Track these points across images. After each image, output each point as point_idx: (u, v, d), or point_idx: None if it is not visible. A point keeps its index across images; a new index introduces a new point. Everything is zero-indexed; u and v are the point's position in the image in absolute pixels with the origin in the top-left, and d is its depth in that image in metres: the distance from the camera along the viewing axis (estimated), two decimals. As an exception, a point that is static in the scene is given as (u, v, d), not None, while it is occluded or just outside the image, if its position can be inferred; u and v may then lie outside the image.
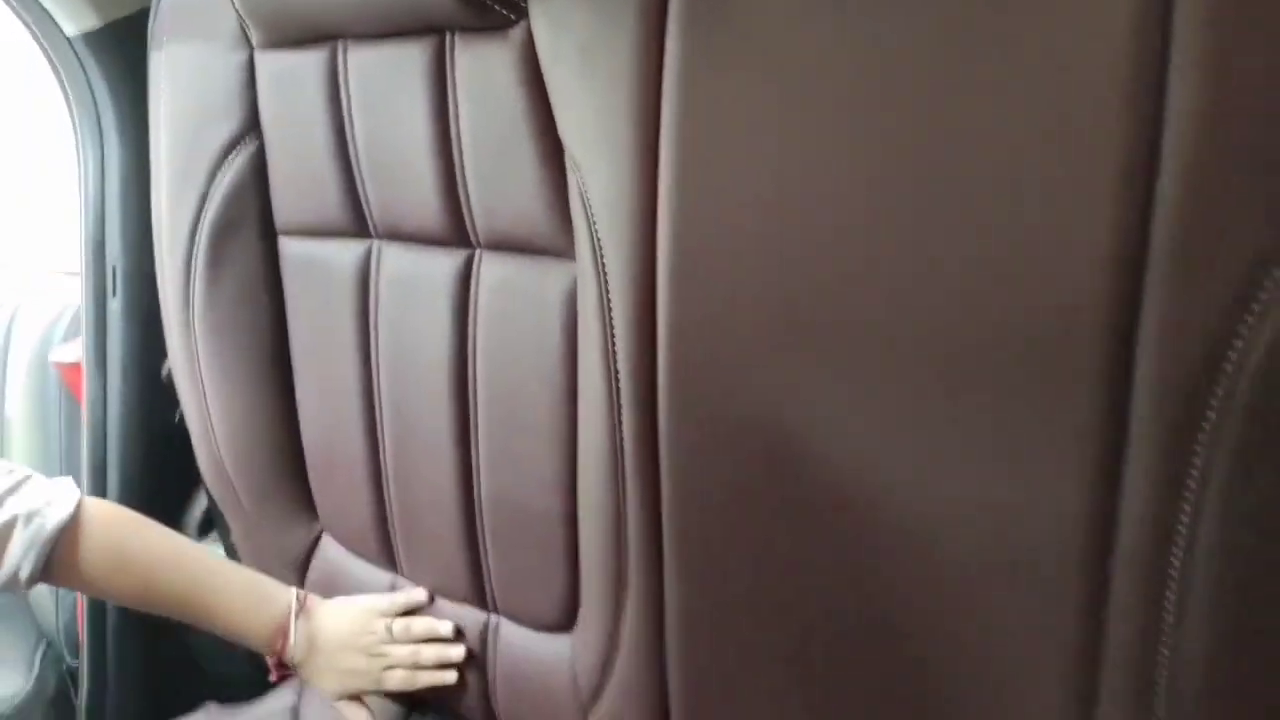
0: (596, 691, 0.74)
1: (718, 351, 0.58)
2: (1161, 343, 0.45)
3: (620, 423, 0.64)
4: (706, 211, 0.56)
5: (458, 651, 0.83)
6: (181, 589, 0.82)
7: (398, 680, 0.85)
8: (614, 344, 0.63)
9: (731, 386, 0.58)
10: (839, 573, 0.57)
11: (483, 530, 0.80)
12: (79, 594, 1.08)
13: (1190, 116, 0.42)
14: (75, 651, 1.21)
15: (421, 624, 0.85)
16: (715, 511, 0.61)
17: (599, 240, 0.63)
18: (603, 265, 0.63)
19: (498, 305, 0.75)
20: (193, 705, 1.04)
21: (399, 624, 0.85)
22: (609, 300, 0.63)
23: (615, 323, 0.63)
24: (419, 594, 0.86)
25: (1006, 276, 0.47)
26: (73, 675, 1.28)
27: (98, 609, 1.04)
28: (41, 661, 1.34)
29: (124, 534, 0.81)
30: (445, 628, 0.84)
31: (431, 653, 0.84)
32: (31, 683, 1.29)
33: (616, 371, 0.63)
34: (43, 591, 1.29)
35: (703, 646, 0.64)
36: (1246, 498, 0.45)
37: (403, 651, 0.84)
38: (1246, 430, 0.43)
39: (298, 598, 0.85)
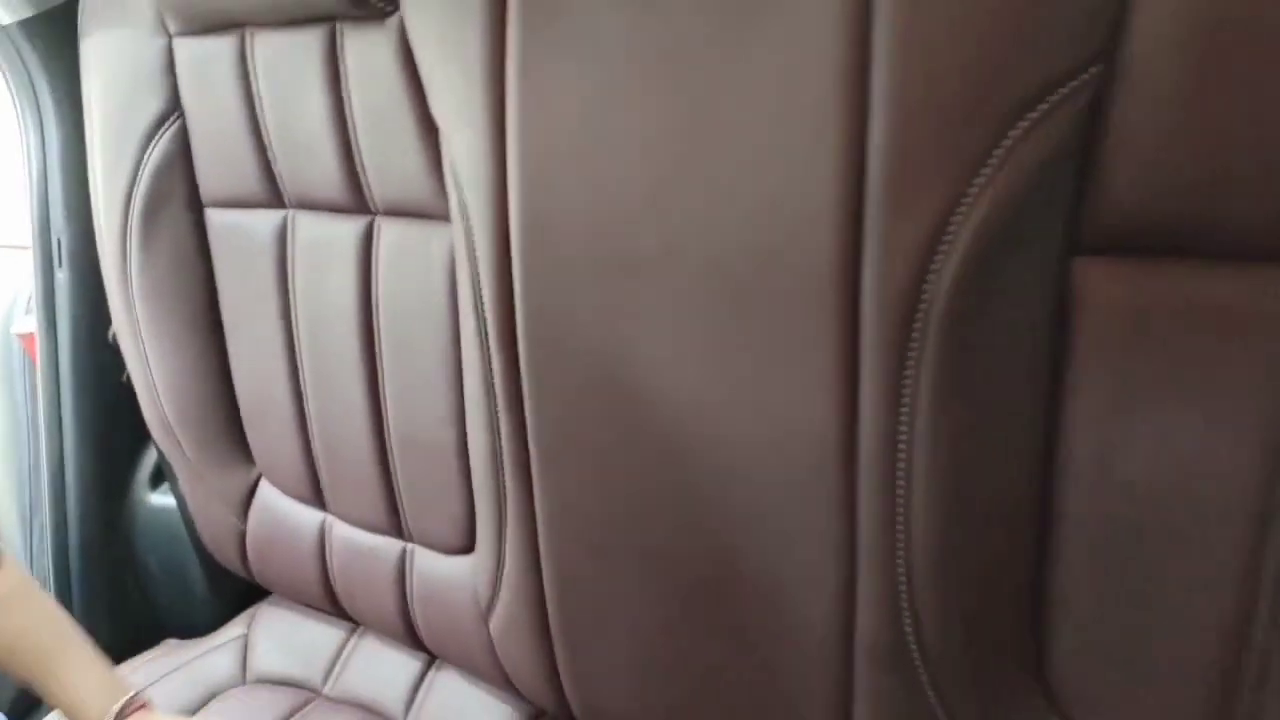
0: (491, 602, 0.84)
1: (560, 293, 0.67)
2: (876, 275, 0.55)
3: (491, 363, 0.73)
4: (545, 176, 0.65)
5: None
6: (34, 668, 0.81)
7: None
8: (481, 293, 0.72)
9: (571, 324, 0.67)
10: (661, 483, 0.67)
11: (394, 467, 0.90)
12: (51, 555, 1.16)
13: (889, 97, 0.51)
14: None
15: None
16: (566, 434, 0.71)
17: (465, 204, 0.72)
18: (469, 225, 0.72)
19: (395, 265, 0.84)
20: (155, 642, 1.15)
21: None
22: (475, 256, 0.72)
23: (481, 275, 0.72)
24: None
25: (763, 226, 0.57)
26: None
27: (61, 562, 1.14)
28: None
29: (9, 607, 0.80)
30: None
31: None
32: None
33: (484, 317, 0.73)
34: (18, 552, 1.38)
35: (566, 549, 0.74)
36: (949, 406, 0.55)
37: None
38: (942, 350, 0.53)
39: (128, 703, 0.80)
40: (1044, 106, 0.49)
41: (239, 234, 0.95)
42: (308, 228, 0.90)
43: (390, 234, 0.84)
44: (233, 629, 1.12)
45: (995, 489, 0.56)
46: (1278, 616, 0.52)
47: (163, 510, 1.14)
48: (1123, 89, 0.49)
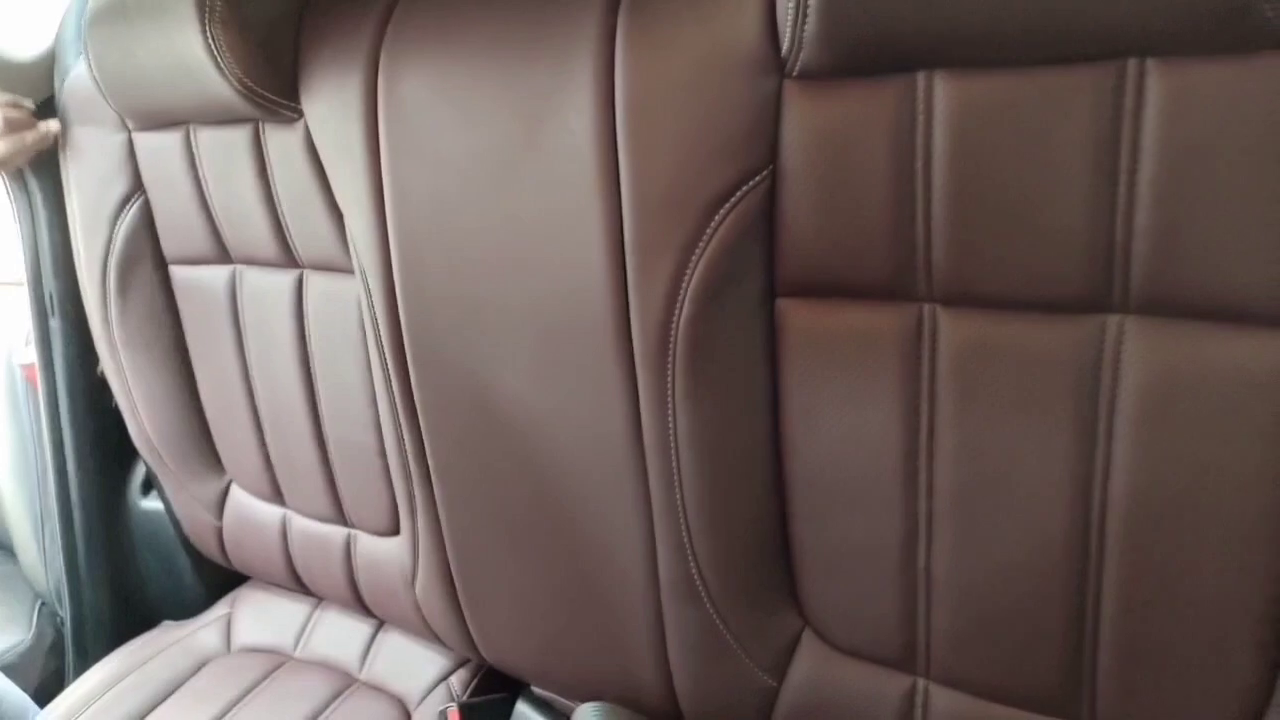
0: (413, 574, 1.06)
1: (434, 332, 0.89)
2: (641, 318, 0.76)
3: (391, 386, 0.95)
4: (414, 244, 0.87)
5: None
6: None
7: None
8: (379, 331, 0.94)
9: (445, 355, 0.89)
10: (518, 468, 0.88)
11: (334, 468, 1.12)
12: (63, 557, 1.39)
13: (632, 196, 0.73)
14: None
15: None
16: (450, 439, 0.92)
17: (362, 265, 0.93)
18: (366, 282, 0.93)
19: (320, 309, 1.05)
20: (153, 624, 1.37)
21: None
22: (373, 305, 0.93)
23: (379, 319, 0.93)
24: None
25: (562, 284, 0.78)
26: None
27: (71, 560, 1.36)
28: (38, 617, 1.56)
29: None
30: None
31: None
32: (31, 635, 1.53)
33: (382, 347, 0.94)
34: (33, 557, 1.59)
35: (460, 527, 0.96)
36: (695, 403, 0.76)
37: None
38: (686, 363, 0.75)
39: None
40: (735, 199, 0.71)
41: (198, 286, 1.16)
42: (252, 280, 1.11)
43: (316, 285, 1.05)
44: (218, 609, 1.34)
45: (740, 462, 0.78)
46: (931, 540, 0.73)
47: (153, 513, 1.36)
48: (784, 185, 0.70)
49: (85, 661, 1.34)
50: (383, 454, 1.05)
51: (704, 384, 0.76)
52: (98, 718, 1.17)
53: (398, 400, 0.95)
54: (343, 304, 1.03)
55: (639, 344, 0.77)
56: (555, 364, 0.82)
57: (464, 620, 1.03)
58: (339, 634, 1.25)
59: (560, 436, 0.84)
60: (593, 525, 0.86)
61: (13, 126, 1.14)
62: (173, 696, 1.21)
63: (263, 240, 1.06)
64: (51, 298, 1.27)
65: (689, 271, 0.73)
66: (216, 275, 1.14)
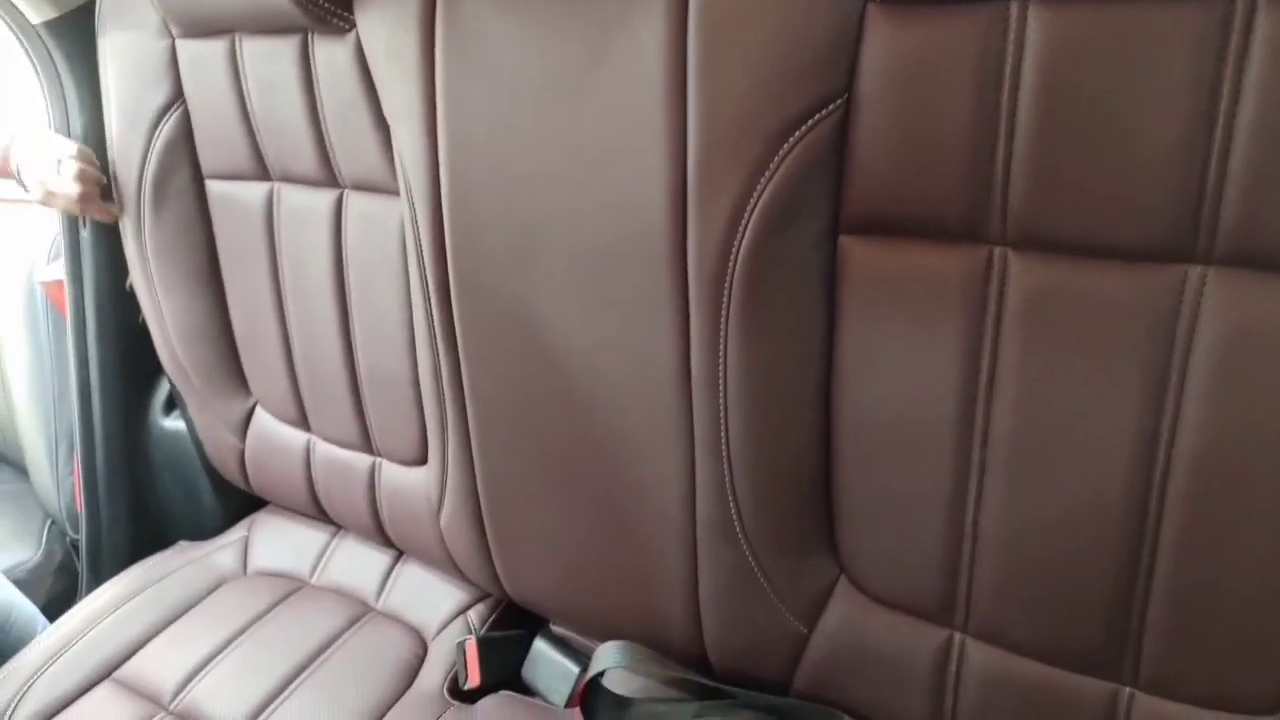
0: (440, 504, 1.05)
1: (480, 256, 0.87)
2: (698, 241, 0.74)
3: (432, 311, 0.93)
4: (465, 164, 0.85)
5: None
6: None
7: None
8: (421, 254, 0.92)
9: (491, 282, 0.87)
10: (558, 406, 0.87)
11: (363, 394, 1.10)
12: (75, 479, 1.38)
13: (700, 117, 0.70)
14: (75, 527, 1.49)
15: None
16: (490, 370, 0.91)
17: (408, 183, 0.91)
18: (411, 200, 0.91)
19: (360, 230, 1.03)
20: (170, 543, 1.36)
21: None
22: (417, 225, 0.91)
23: (422, 240, 0.91)
24: None
25: (617, 210, 0.76)
26: (75, 547, 1.54)
27: (91, 476, 1.35)
28: (48, 535, 1.60)
29: None
30: None
31: None
32: (40, 553, 1.56)
33: (424, 270, 0.92)
34: (45, 476, 1.59)
35: (493, 460, 0.95)
36: (749, 337, 0.75)
37: None
38: (743, 296, 0.73)
39: None
40: (806, 126, 0.69)
41: (234, 202, 1.14)
42: (290, 198, 1.09)
43: (356, 205, 1.03)
44: (235, 532, 1.34)
45: (789, 402, 0.76)
46: (982, 491, 0.72)
47: (175, 432, 1.35)
48: (858, 114, 0.68)
49: (99, 579, 1.33)
50: (415, 382, 1.04)
51: (759, 320, 0.74)
52: (109, 632, 1.17)
53: (437, 325, 0.93)
54: (383, 226, 1.01)
55: (695, 276, 0.75)
56: (606, 293, 0.80)
57: (489, 553, 1.02)
58: (357, 563, 1.24)
59: (605, 368, 0.83)
60: (631, 461, 0.85)
61: (83, 181, 1.15)
62: (186, 615, 1.20)
63: (304, 157, 1.04)
64: (83, 208, 1.25)
65: (752, 201, 0.71)
66: (254, 191, 1.12)
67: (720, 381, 0.76)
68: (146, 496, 1.39)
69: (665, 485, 0.83)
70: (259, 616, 1.17)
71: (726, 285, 0.73)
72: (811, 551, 0.81)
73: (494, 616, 1.13)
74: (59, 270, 1.34)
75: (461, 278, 0.89)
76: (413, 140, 0.88)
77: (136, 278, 1.24)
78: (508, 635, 1.10)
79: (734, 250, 0.72)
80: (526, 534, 0.96)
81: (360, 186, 1.02)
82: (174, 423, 1.35)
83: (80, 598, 1.29)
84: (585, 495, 0.89)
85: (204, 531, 1.35)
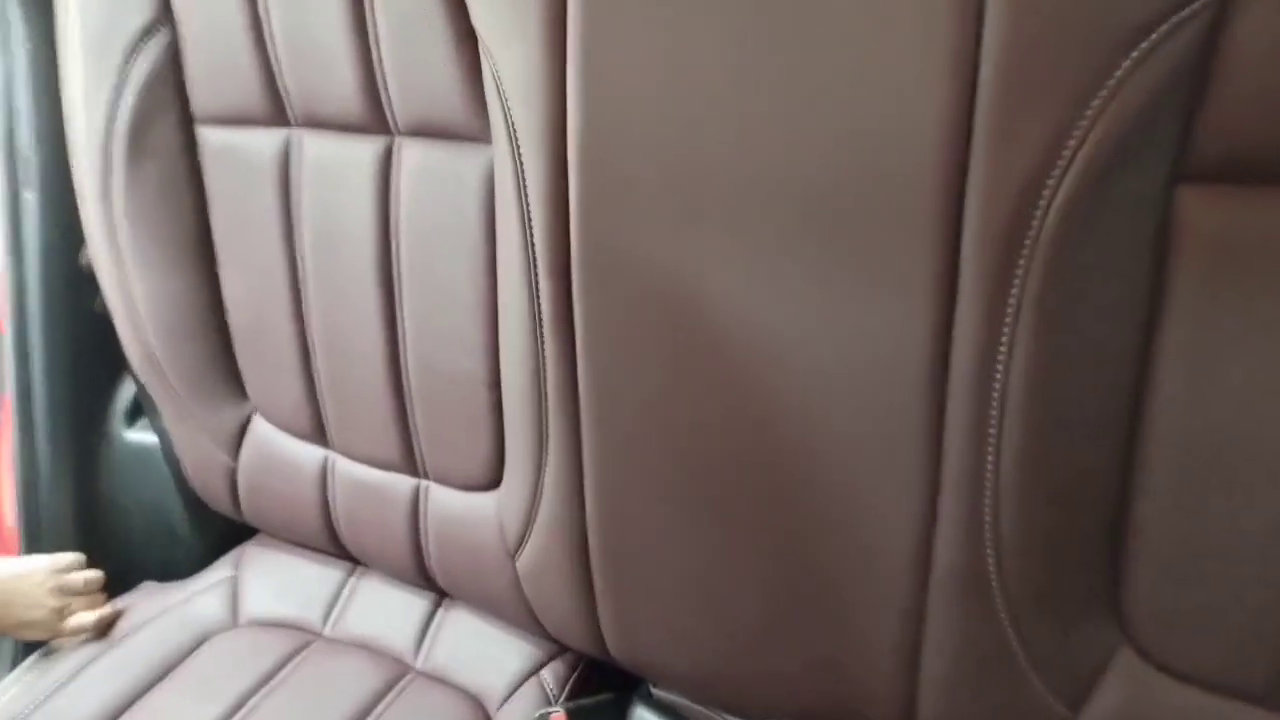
0: (522, 539, 0.82)
1: (622, 220, 0.64)
2: (984, 198, 0.53)
3: (538, 291, 0.70)
4: (610, 92, 0.62)
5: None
6: None
7: (73, 626, 0.96)
8: (530, 218, 0.69)
9: (635, 250, 0.65)
10: (725, 412, 0.65)
11: (410, 399, 0.87)
12: (19, 496, 1.10)
13: (1004, 16, 0.50)
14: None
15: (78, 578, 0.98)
16: (623, 366, 0.68)
17: (513, 122, 0.68)
18: (517, 146, 0.68)
19: (418, 189, 0.80)
20: (130, 585, 1.09)
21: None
22: (524, 179, 0.69)
23: (530, 199, 0.69)
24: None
25: (856, 147, 0.55)
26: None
27: (31, 504, 1.07)
28: None
29: None
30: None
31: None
32: None
33: (533, 244, 0.69)
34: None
35: (615, 486, 0.72)
36: (1051, 324, 0.54)
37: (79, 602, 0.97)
38: (1049, 271, 0.53)
39: None
40: (1163, 29, 0.48)
41: (236, 154, 0.89)
42: (316, 148, 0.85)
43: (413, 156, 0.80)
44: (219, 570, 1.08)
45: (1088, 415, 0.56)
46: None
47: (140, 447, 1.08)
48: (1236, 16, 0.48)
49: (44, 630, 1.06)
50: (493, 384, 0.80)
51: (1063, 302, 0.54)
52: (60, 710, 0.90)
53: (544, 310, 0.70)
54: (453, 182, 0.77)
55: (975, 241, 0.54)
56: (818, 269, 0.59)
57: (590, 603, 0.80)
58: (384, 609, 1.00)
59: (805, 367, 0.61)
60: (834, 489, 0.63)
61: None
62: (164, 681, 0.94)
63: (340, 92, 0.80)
64: (27, 162, 0.98)
65: (1076, 136, 0.50)
66: (264, 141, 0.87)
67: (995, 385, 0.56)
68: (100, 524, 1.12)
69: (885, 523, 0.62)
70: (263, 682, 0.92)
71: (1023, 254, 0.53)
72: (1086, 612, 0.61)
73: (574, 678, 0.91)
74: (-12, 243, 1.05)
75: (589, 247, 0.67)
76: (525, 62, 0.66)
77: (98, 251, 0.97)
78: (600, 702, 0.87)
79: (1041, 205, 0.52)
80: (654, 581, 0.74)
81: (421, 131, 0.79)
82: (140, 435, 1.09)
83: (15, 661, 1.01)
84: (754, 532, 0.68)
85: (177, 569, 1.09)
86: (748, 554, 0.68)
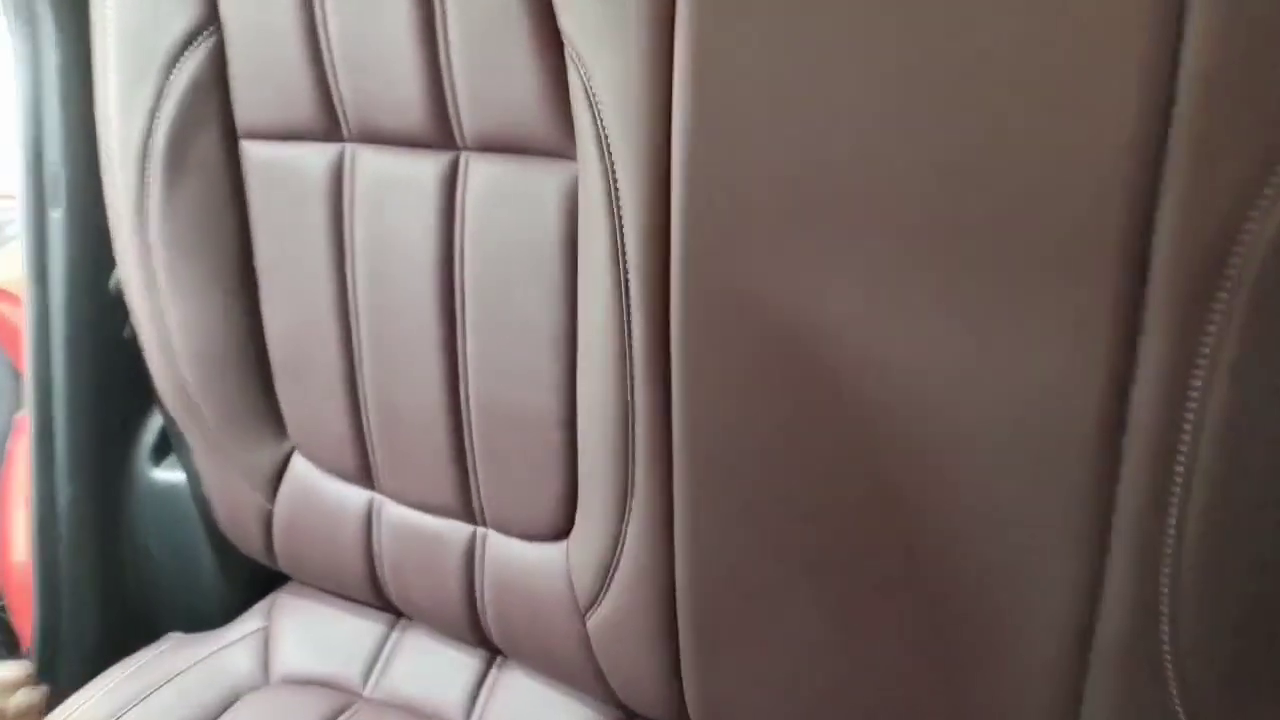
0: (596, 595, 0.74)
1: (734, 245, 0.57)
2: (1178, 226, 0.46)
3: (629, 322, 0.63)
4: (724, 104, 0.55)
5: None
6: None
7: None
8: (623, 242, 0.62)
9: (747, 280, 0.57)
10: (851, 462, 0.58)
11: (471, 439, 0.79)
12: (36, 541, 1.02)
13: (1208, 13, 0.42)
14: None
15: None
16: (728, 408, 0.61)
17: (606, 135, 0.61)
18: (610, 161, 0.61)
19: (488, 209, 0.72)
20: (154, 636, 1.01)
21: None
22: (617, 197, 0.61)
23: (624, 220, 0.61)
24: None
25: (1027, 162, 0.48)
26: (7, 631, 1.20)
27: (47, 542, 0.99)
28: None
29: None
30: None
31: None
32: None
33: (626, 269, 0.62)
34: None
35: (712, 542, 0.65)
36: (1255, 373, 0.47)
37: None
38: (1255, 310, 0.45)
39: None
40: None
41: (283, 171, 0.82)
42: (372, 165, 0.78)
43: (481, 173, 0.72)
44: (249, 621, 0.99)
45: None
46: None
47: (168, 487, 1.01)
48: None
49: (59, 690, 0.98)
50: (568, 423, 0.73)
51: (1272, 350, 0.46)
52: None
53: (635, 345, 0.63)
54: (528, 202, 0.70)
55: (1164, 276, 0.46)
56: (969, 303, 0.51)
57: (674, 667, 0.71)
58: (432, 668, 0.91)
59: (948, 418, 0.54)
60: (980, 555, 0.55)
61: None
62: (193, 743, 0.86)
63: (403, 102, 0.73)
64: (55, 178, 0.91)
65: (1297, 146, 0.43)
66: (314, 156, 0.80)
67: (1182, 444, 0.48)
68: (124, 569, 1.04)
69: (1042, 592, 0.54)
70: (300, 747, 0.84)
71: (1223, 292, 0.45)
72: (1268, 695, 0.53)
73: (643, 747, 0.82)
74: (8, 262, 0.98)
75: (695, 275, 0.59)
76: (623, 68, 0.59)
77: (130, 275, 0.90)
78: (675, 779, 0.79)
79: (1247, 234, 0.44)
80: (755, 649, 0.66)
81: (493, 146, 0.72)
82: (168, 474, 1.01)
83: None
84: (884, 599, 0.60)
85: (205, 620, 1.01)
86: (874, 624, 0.60)
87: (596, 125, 0.61)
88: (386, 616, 0.96)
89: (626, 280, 0.62)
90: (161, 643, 1.00)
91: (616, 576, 0.71)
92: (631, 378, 0.64)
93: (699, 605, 0.67)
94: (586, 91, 0.62)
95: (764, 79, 0.54)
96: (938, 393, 0.54)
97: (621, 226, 0.61)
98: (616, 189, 0.61)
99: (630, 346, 0.63)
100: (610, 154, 0.61)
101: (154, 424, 1.01)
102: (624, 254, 0.62)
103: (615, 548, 0.70)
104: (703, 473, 0.63)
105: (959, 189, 0.50)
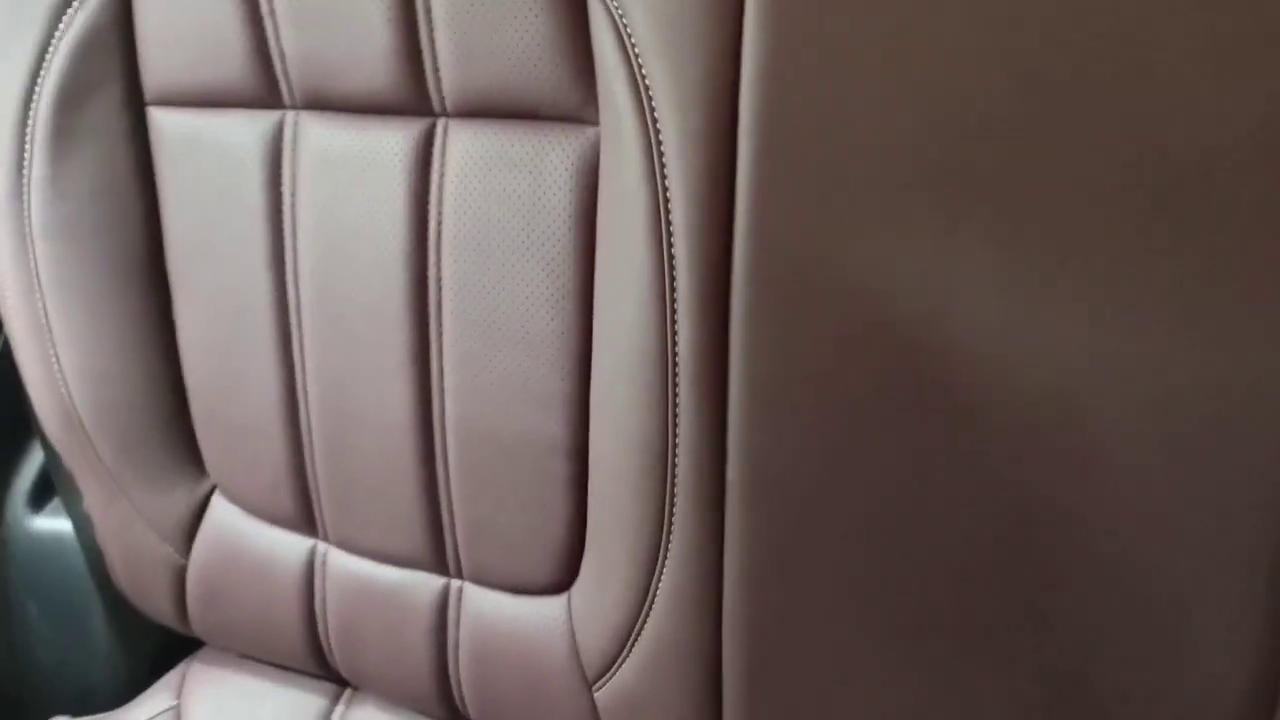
0: (611, 662, 0.60)
1: (824, 228, 0.45)
2: None
3: (674, 318, 0.50)
4: (811, 34, 0.43)
5: None
6: None
7: None
8: (668, 219, 0.49)
9: (834, 265, 0.45)
10: (973, 491, 0.46)
11: (446, 471, 0.64)
12: None
13: None
14: None
15: None
16: (805, 426, 0.48)
17: (647, 85, 0.48)
18: (653, 118, 0.49)
19: (473, 188, 0.59)
20: None
21: None
22: (662, 163, 0.49)
23: (672, 194, 0.49)
24: None
25: (1198, 99, 0.37)
26: None
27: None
28: None
29: None
30: None
31: None
32: None
33: (671, 253, 0.49)
34: None
35: (778, 598, 0.52)
36: None
37: None
38: None
39: None
40: None
41: (205, 145, 0.67)
42: (321, 136, 0.63)
43: (464, 143, 0.59)
44: (155, 699, 0.82)
45: None
46: None
47: (50, 538, 0.82)
48: None
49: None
50: (575, 450, 0.59)
51: None
52: None
53: (682, 339, 0.50)
54: (529, 179, 0.57)
55: None
56: (1111, 266, 0.40)
57: (711, 752, 0.58)
58: (387, 749, 0.76)
59: (1092, 416, 0.43)
60: (1147, 608, 0.44)
61: None
62: None
63: (367, 60, 0.59)
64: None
65: None
66: (247, 128, 0.65)
67: None
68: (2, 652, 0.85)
69: (1221, 651, 0.43)
70: None
71: None
72: None
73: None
74: None
75: (762, 256, 0.47)
76: (676, 6, 0.46)
77: (3, 273, 0.72)
78: None
79: None
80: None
81: (481, 111, 0.58)
82: (50, 522, 0.82)
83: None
84: (1012, 673, 0.48)
85: (99, 700, 0.83)
86: (1000, 703, 0.48)
87: (634, 74, 0.49)
88: (327, 687, 0.80)
89: (672, 266, 0.49)
90: (43, 731, 0.81)
91: (641, 639, 0.58)
92: (674, 388, 0.51)
93: (754, 679, 0.54)
94: (619, 31, 0.49)
95: (861, 10, 0.42)
96: (1079, 395, 0.43)
97: (667, 200, 0.49)
98: (661, 153, 0.48)
99: (674, 349, 0.50)
100: (653, 109, 0.48)
101: (32, 462, 0.83)
102: (669, 234, 0.49)
103: (642, 603, 0.57)
104: (765, 515, 0.50)
105: (1110, 139, 0.39)
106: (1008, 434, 0.44)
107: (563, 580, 0.63)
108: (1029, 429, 0.44)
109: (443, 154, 0.60)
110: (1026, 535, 0.45)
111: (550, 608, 0.64)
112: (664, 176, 0.49)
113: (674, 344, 0.50)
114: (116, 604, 0.82)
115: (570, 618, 0.63)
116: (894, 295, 0.45)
